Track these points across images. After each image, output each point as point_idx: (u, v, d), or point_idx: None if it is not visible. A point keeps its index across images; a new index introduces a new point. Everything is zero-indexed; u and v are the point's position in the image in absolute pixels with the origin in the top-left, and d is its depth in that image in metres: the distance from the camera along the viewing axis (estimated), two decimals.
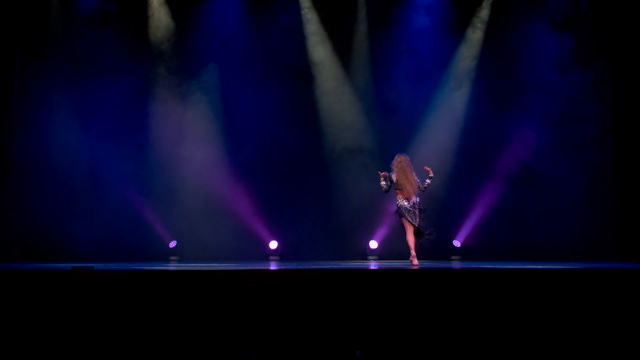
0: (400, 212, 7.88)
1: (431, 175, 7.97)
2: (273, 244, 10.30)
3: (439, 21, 10.57)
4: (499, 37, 10.46)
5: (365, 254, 10.41)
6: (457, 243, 10.31)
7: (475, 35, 10.53)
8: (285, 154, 10.44)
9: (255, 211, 10.37)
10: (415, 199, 7.85)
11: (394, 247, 10.34)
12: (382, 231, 10.45)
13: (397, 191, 7.93)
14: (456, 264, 9.02)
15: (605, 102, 10.14)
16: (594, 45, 10.17)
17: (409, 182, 7.85)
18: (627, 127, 9.82)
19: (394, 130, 10.50)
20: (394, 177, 7.91)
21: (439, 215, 10.37)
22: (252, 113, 10.41)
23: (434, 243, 8.06)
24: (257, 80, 10.41)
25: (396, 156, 8.03)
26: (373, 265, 8.53)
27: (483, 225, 10.27)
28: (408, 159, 7.98)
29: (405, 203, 7.83)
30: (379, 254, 10.36)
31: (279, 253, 10.29)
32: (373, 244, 10.38)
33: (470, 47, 10.53)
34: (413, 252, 7.83)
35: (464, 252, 10.27)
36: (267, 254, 10.30)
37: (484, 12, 10.51)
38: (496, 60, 10.42)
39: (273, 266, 7.69)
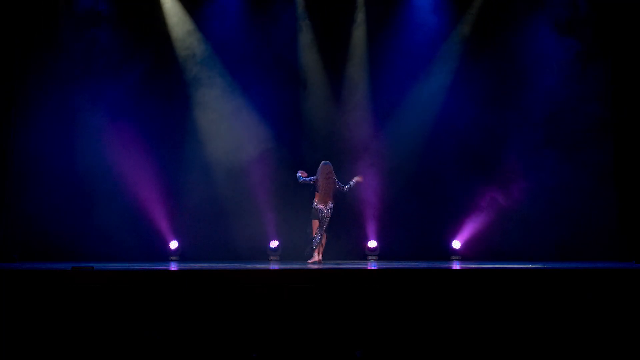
0: (314, 213, 8.83)
1: (358, 180, 9.04)
2: (273, 244, 10.30)
3: (438, 21, 10.54)
4: (498, 37, 10.43)
5: (365, 254, 10.41)
6: (456, 243, 10.30)
7: (474, 35, 10.51)
8: (285, 154, 10.43)
9: (255, 211, 10.37)
10: (330, 204, 8.83)
11: (394, 247, 10.37)
12: (381, 231, 10.45)
13: (317, 193, 8.87)
14: (456, 264, 9.02)
15: (605, 102, 10.14)
16: (595, 46, 10.16)
17: (326, 190, 8.78)
18: (627, 127, 9.82)
19: (392, 131, 10.50)
20: (319, 180, 8.79)
21: (439, 216, 10.43)
22: (251, 113, 10.39)
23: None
24: (256, 81, 10.39)
25: (323, 164, 8.89)
26: (373, 265, 8.54)
27: (483, 226, 10.26)
28: (332, 169, 8.87)
29: (322, 206, 8.79)
30: (379, 254, 10.37)
31: (279, 253, 10.30)
32: (372, 244, 10.39)
33: (469, 47, 10.50)
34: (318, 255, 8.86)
35: (463, 253, 10.27)
36: (267, 254, 10.30)
37: (484, 12, 10.49)
38: (496, 60, 10.40)
39: (273, 266, 7.70)
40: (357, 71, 10.67)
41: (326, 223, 8.85)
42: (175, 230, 10.30)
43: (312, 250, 8.88)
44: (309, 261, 8.86)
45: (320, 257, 8.87)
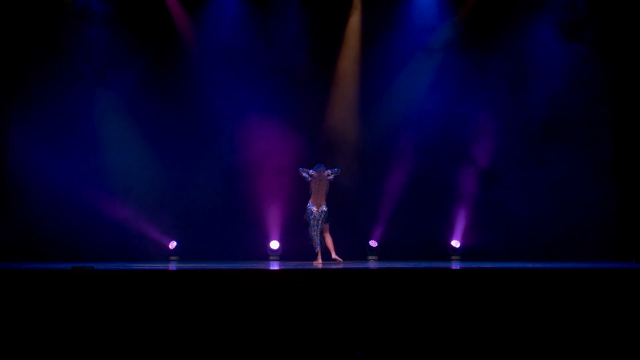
0: (307, 215, 8.95)
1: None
2: (274, 244, 10.30)
3: (439, 23, 10.55)
4: (497, 35, 10.43)
5: (365, 254, 10.41)
6: (456, 243, 10.30)
7: (472, 33, 10.50)
8: (284, 155, 10.42)
9: (256, 211, 10.38)
10: (323, 208, 8.91)
11: (394, 247, 10.37)
12: (381, 231, 10.45)
13: (312, 195, 8.99)
14: (456, 264, 9.02)
15: (605, 102, 10.14)
16: (595, 46, 10.16)
17: (320, 194, 8.92)
18: (628, 127, 9.82)
19: (393, 131, 10.51)
20: (311, 184, 8.98)
21: (439, 216, 10.43)
22: (250, 114, 10.39)
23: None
24: (255, 81, 10.39)
25: (318, 168, 9.04)
26: (373, 265, 8.54)
27: (482, 226, 10.27)
28: (327, 174, 9.01)
29: (314, 209, 8.90)
30: (379, 254, 10.36)
31: (279, 253, 10.30)
32: (373, 244, 10.38)
33: (468, 45, 10.49)
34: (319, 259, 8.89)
35: (463, 252, 10.27)
36: (267, 254, 10.31)
37: (484, 13, 10.48)
38: (495, 59, 10.40)
39: (273, 266, 7.70)
40: (356, 71, 10.67)
41: (319, 225, 8.87)
42: (175, 230, 10.31)
43: (315, 248, 8.94)
44: (313, 263, 8.85)
45: (320, 260, 8.87)
